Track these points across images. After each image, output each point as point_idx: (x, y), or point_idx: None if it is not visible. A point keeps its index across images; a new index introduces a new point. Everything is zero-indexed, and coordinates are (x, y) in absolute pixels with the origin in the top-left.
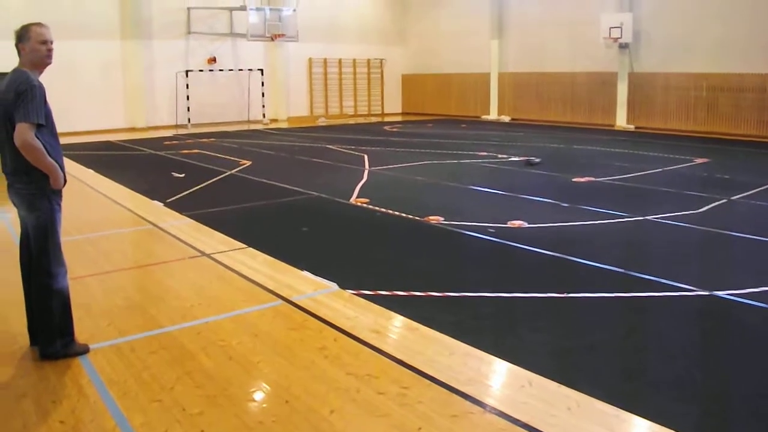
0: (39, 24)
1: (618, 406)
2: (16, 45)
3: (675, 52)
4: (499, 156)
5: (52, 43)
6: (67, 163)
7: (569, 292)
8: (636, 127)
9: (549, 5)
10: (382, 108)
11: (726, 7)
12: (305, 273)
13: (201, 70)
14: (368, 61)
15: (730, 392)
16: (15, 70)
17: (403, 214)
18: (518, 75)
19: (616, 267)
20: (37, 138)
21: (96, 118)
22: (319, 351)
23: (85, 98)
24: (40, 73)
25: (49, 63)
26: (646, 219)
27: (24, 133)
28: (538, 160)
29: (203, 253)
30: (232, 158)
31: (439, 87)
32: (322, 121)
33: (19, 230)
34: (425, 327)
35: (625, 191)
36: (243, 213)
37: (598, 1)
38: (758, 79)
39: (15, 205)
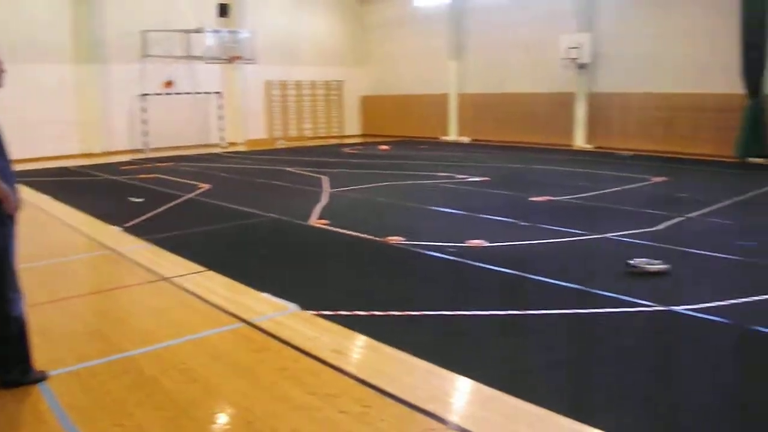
0: None
1: (578, 421)
2: None
3: (633, 72)
4: (458, 176)
5: (3, 65)
6: (22, 189)
7: (528, 309)
8: (595, 147)
9: (508, 26)
10: (342, 130)
11: (684, 28)
12: (265, 295)
13: (158, 94)
14: (327, 83)
15: (687, 405)
16: None
17: (363, 235)
18: (478, 96)
19: (574, 284)
20: None
21: (50, 143)
22: (279, 372)
23: (38, 123)
24: None
25: (1, 87)
26: (604, 237)
27: None
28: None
29: (162, 277)
30: (190, 182)
31: (399, 108)
32: (280, 144)
33: None
34: (386, 346)
35: (583, 210)
36: (202, 236)
37: (557, 22)
38: (716, 99)
39: None
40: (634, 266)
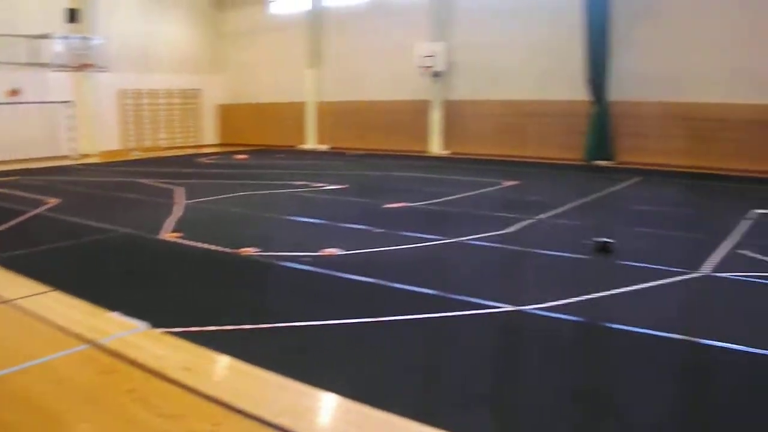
0: None
1: (434, 426)
2: None
3: (486, 80)
4: (315, 185)
5: None
6: None
7: (382, 316)
8: (451, 153)
9: (365, 34)
10: (199, 140)
11: (533, 39)
12: (113, 314)
13: (2, 103)
14: (183, 91)
15: (534, 402)
16: None
17: (217, 248)
18: (336, 104)
19: (428, 289)
20: None
21: None
22: (128, 394)
23: None
24: None
25: None
26: (458, 241)
27: None
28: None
29: (2, 300)
30: (37, 197)
31: (257, 117)
32: (135, 155)
33: None
34: (238, 361)
35: (437, 215)
36: (48, 255)
37: (412, 30)
38: (564, 106)
39: None
40: (591, 242)
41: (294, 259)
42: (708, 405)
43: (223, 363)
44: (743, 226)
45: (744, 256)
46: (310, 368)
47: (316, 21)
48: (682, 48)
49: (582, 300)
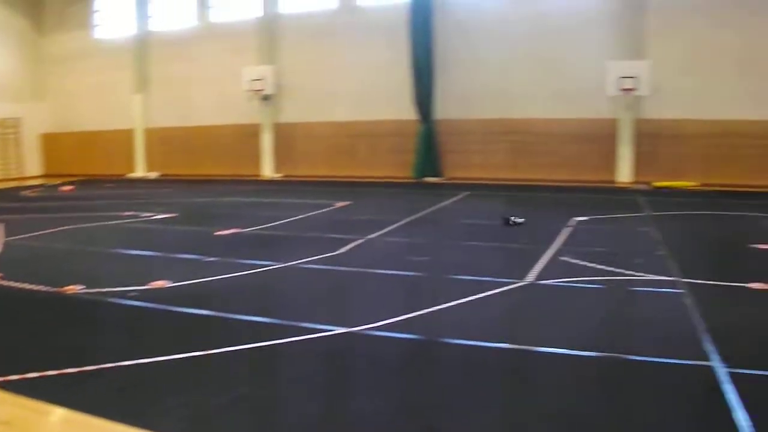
0: None
1: None
2: None
3: (315, 102)
4: (143, 215)
5: None
6: None
7: (211, 348)
8: (283, 176)
9: (194, 59)
10: (21, 171)
11: (360, 61)
12: None
13: None
14: (2, 120)
15: (365, 424)
16: None
17: (39, 287)
18: (165, 129)
19: (260, 317)
20: None
21: None
22: None
23: None
24: None
25: None
26: (290, 265)
27: None
28: (520, 220)
29: None
30: None
31: (83, 146)
32: None
33: None
34: (60, 408)
35: (270, 240)
36: None
37: (241, 54)
38: (393, 125)
39: None
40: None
41: (121, 294)
42: (530, 408)
43: (44, 411)
44: (564, 233)
45: (565, 262)
46: (136, 409)
47: (143, 46)
48: (503, 67)
49: (413, 316)
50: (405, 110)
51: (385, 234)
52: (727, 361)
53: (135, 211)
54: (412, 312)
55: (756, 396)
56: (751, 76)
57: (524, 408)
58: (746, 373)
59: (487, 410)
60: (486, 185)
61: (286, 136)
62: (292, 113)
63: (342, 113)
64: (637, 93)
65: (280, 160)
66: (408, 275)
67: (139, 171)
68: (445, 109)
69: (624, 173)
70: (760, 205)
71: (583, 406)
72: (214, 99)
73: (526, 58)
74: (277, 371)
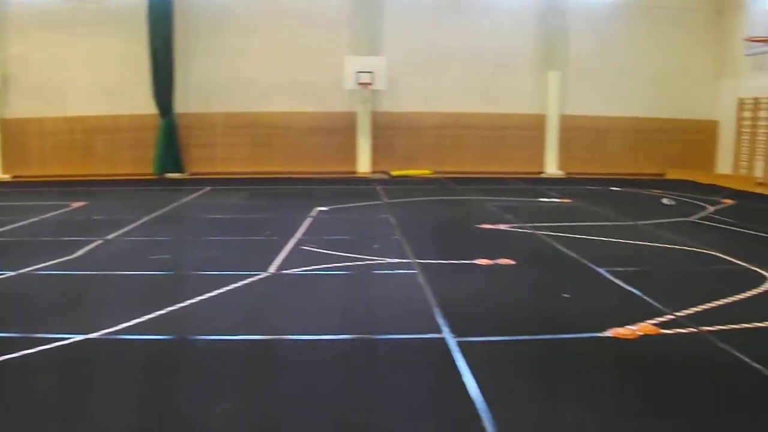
0: None
1: None
2: None
3: (48, 95)
4: None
5: None
6: None
7: None
8: (12, 177)
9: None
10: None
11: (95, 53)
12: None
13: None
14: None
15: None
16: None
17: None
18: None
19: None
20: None
21: None
22: None
23: None
24: None
25: None
26: (21, 273)
27: None
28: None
29: None
30: None
31: None
32: None
33: None
34: None
35: None
36: None
37: None
38: (132, 120)
39: None
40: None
41: None
42: (275, 394)
43: None
44: (306, 224)
45: (307, 251)
46: None
47: None
48: (246, 61)
49: (156, 316)
50: (145, 104)
51: (125, 233)
52: (456, 331)
53: None
54: (156, 312)
55: (480, 360)
56: (473, 74)
57: (270, 394)
58: (472, 341)
59: (234, 399)
60: (230, 179)
61: (14, 133)
62: (19, 108)
63: (76, 108)
64: (373, 87)
65: (8, 160)
66: (150, 275)
67: None
68: (186, 102)
69: (364, 164)
70: (484, 190)
71: (329, 387)
72: None
73: (268, 52)
74: (7, 389)
